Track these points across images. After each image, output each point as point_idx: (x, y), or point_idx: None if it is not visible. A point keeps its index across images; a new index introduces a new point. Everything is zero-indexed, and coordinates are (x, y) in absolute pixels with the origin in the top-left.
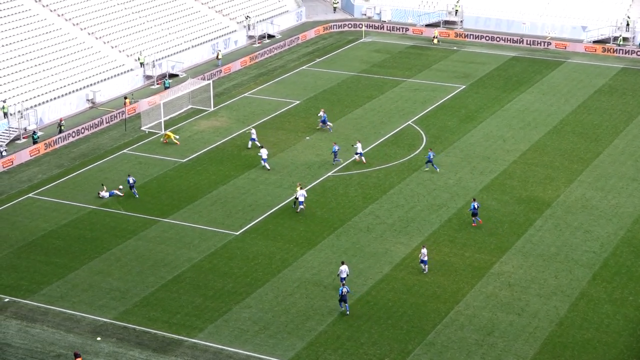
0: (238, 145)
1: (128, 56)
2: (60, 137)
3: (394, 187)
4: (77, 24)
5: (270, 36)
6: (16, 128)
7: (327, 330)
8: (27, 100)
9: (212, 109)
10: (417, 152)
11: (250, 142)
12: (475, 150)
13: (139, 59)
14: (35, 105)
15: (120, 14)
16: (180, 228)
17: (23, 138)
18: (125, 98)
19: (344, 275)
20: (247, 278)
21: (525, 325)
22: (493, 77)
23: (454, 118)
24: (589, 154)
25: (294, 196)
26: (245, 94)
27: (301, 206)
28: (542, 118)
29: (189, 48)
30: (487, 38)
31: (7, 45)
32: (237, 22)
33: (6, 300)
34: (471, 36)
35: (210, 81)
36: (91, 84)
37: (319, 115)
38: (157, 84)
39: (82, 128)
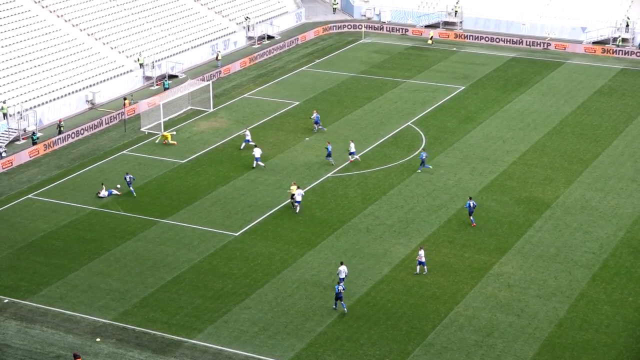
0: (237, 146)
1: (127, 57)
2: (59, 138)
3: (393, 188)
4: (77, 25)
5: (269, 37)
6: (16, 129)
7: (327, 331)
8: (26, 101)
9: (212, 110)
10: (416, 153)
11: (243, 144)
12: (475, 151)
13: (138, 59)
14: (35, 106)
15: (119, 14)
16: (180, 229)
17: (22, 139)
18: (125, 99)
19: (342, 275)
20: (247, 279)
21: (525, 326)
22: (492, 78)
23: (454, 119)
24: (589, 155)
25: (290, 195)
26: (245, 95)
27: (297, 205)
28: (541, 119)
29: (188, 49)
30: (487, 39)
31: (6, 46)
32: (237, 23)
33: (6, 301)
34: (471, 37)
35: (210, 82)
36: (91, 85)
37: (312, 117)
38: (157, 85)
39: (82, 129)
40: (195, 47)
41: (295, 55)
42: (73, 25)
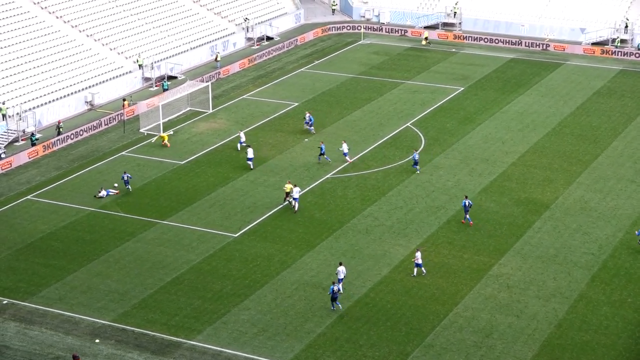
0: (236, 148)
1: (127, 58)
2: (58, 139)
3: (392, 189)
4: (76, 26)
5: (268, 38)
6: (15, 130)
7: (326, 332)
8: (25, 102)
9: (211, 111)
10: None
11: (239, 145)
12: (474, 152)
13: (137, 61)
14: (34, 107)
15: (118, 15)
16: (179, 230)
17: (21, 140)
18: (124, 100)
19: (341, 276)
20: (246, 280)
21: (524, 327)
22: (492, 79)
23: (453, 120)
24: (588, 156)
25: (286, 194)
26: (244, 96)
27: (295, 203)
28: (540, 120)
29: (187, 50)
30: (486, 40)
31: (5, 47)
32: (236, 24)
33: (5, 302)
34: (470, 38)
35: (209, 83)
36: (90, 86)
37: (304, 117)
38: (156, 86)
39: (81, 130)
40: (194, 48)
41: (295, 56)
42: (72, 27)
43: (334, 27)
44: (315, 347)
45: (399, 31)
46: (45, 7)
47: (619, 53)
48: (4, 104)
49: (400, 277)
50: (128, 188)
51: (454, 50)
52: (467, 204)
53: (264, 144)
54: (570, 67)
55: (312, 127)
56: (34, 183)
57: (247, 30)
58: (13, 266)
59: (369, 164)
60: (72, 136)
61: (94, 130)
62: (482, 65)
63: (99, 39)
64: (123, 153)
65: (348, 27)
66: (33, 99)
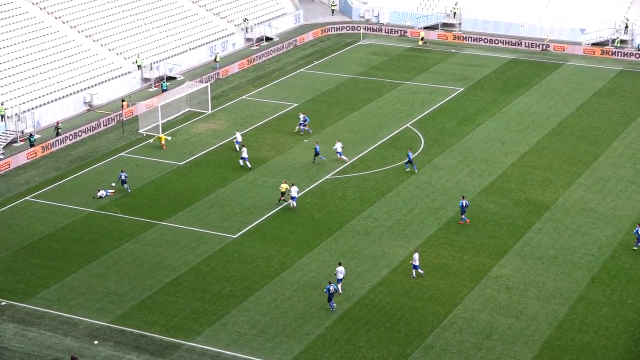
0: (235, 148)
1: (125, 59)
2: (57, 140)
3: (392, 189)
4: (75, 26)
5: (268, 39)
6: (13, 131)
7: (325, 333)
8: (24, 103)
9: (210, 111)
10: (415, 155)
11: (237, 146)
12: (474, 153)
13: (136, 61)
14: (33, 108)
15: (117, 16)
16: (178, 231)
17: (20, 141)
18: (123, 101)
19: (340, 276)
20: (245, 281)
21: (524, 328)
22: (491, 80)
23: (453, 121)
24: (588, 157)
25: (281, 194)
26: (243, 97)
27: (293, 202)
28: (540, 120)
29: (186, 51)
30: (486, 40)
31: (4, 47)
32: (235, 25)
33: (3, 303)
34: (469, 38)
35: (208, 84)
36: (88, 87)
37: (301, 117)
38: (155, 86)
39: (80, 131)
40: (193, 48)
41: (294, 56)
42: (71, 27)
43: (334, 27)
44: (314, 349)
45: (399, 32)
46: (44, 8)
47: (619, 53)
48: (2, 104)
49: (400, 278)
50: (126, 187)
51: (453, 50)
52: (464, 204)
53: (263, 145)
54: (570, 68)
55: (307, 127)
56: (33, 184)
57: (246, 31)
58: (11, 267)
59: (368, 164)
60: (70, 137)
61: (92, 131)
62: (481, 65)
63: (97, 40)
64: (122, 154)
65: (347, 28)
66: (32, 100)
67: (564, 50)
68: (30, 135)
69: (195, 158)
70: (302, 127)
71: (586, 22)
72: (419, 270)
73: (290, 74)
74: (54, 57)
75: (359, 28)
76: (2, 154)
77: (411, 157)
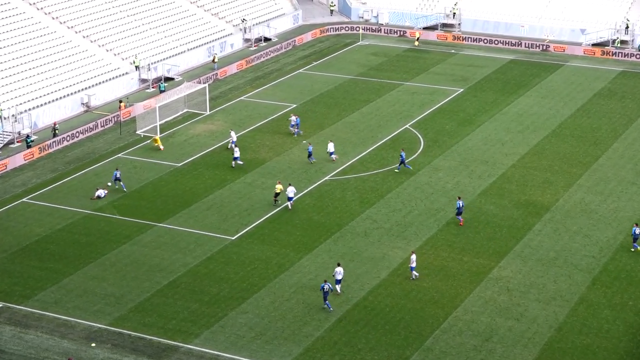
0: (232, 149)
1: (123, 59)
2: (54, 141)
3: (391, 191)
4: (72, 27)
5: (266, 39)
6: (10, 132)
7: (324, 336)
8: (21, 104)
9: (208, 112)
10: (415, 156)
11: (232, 145)
12: (474, 154)
13: (134, 62)
14: (30, 109)
15: (115, 16)
16: (176, 233)
17: (17, 142)
18: (120, 101)
19: (339, 277)
20: (244, 283)
21: (524, 330)
22: (491, 80)
23: (452, 121)
24: (588, 158)
25: (275, 194)
26: (242, 98)
27: (290, 202)
28: (540, 121)
29: (184, 51)
30: (485, 41)
31: (1, 48)
32: (233, 25)
33: (0, 306)
34: (469, 39)
35: (206, 84)
36: (86, 88)
37: (292, 119)
38: (153, 87)
39: (77, 132)
40: (191, 49)
41: (292, 57)
42: (68, 28)
43: (332, 28)
44: (313, 351)
45: (398, 32)
46: (42, 8)
47: (620, 54)
48: None
49: (399, 280)
50: (122, 185)
51: (453, 51)
52: (460, 205)
53: (261, 146)
54: (571, 68)
55: (297, 130)
56: (30, 185)
57: (245, 31)
58: (8, 269)
59: (367, 166)
60: (68, 138)
61: (90, 132)
62: (481, 66)
63: (95, 40)
64: (119, 155)
65: (346, 28)
66: (29, 101)
67: (564, 51)
68: (27, 136)
69: (193, 159)
70: (295, 130)
71: (586, 22)
72: (414, 272)
73: (289, 75)
74: (51, 57)
75: (357, 28)
76: None
77: (404, 158)
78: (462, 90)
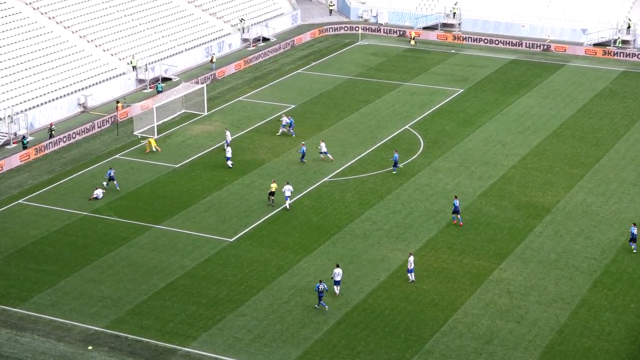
0: (232, 150)
1: (120, 59)
2: (50, 142)
3: (391, 192)
4: (68, 26)
5: (265, 39)
6: (6, 133)
7: (323, 338)
8: (17, 104)
9: (206, 113)
10: (414, 157)
11: (226, 145)
12: (474, 155)
13: (131, 62)
14: (26, 110)
15: (112, 16)
16: (174, 235)
17: (13, 143)
18: (118, 102)
19: (337, 278)
20: (242, 285)
21: (525, 333)
22: (492, 81)
23: (452, 122)
24: (590, 159)
25: (270, 193)
26: (240, 98)
27: (288, 201)
28: (541, 122)
29: (182, 51)
30: (486, 41)
31: None
32: (232, 25)
33: None
34: (469, 39)
35: (204, 85)
36: (82, 88)
37: (282, 120)
38: (150, 87)
39: (73, 133)
40: (189, 49)
41: (291, 57)
42: (65, 27)
43: (331, 27)
44: (312, 354)
45: (397, 32)
46: (38, 8)
47: (621, 54)
48: None
49: (399, 282)
50: (115, 185)
51: (453, 51)
52: (457, 204)
53: (260, 147)
54: (572, 69)
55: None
56: (26, 187)
57: (243, 31)
58: (4, 272)
59: (366, 167)
60: (64, 139)
61: (86, 132)
62: (482, 66)
63: (91, 40)
64: (117, 156)
65: (345, 28)
66: (25, 101)
67: (565, 51)
68: (23, 137)
69: (191, 160)
70: (289, 130)
71: (588, 22)
72: (411, 275)
73: (288, 75)
74: (48, 57)
75: (357, 28)
76: None
77: (396, 159)
78: (462, 90)
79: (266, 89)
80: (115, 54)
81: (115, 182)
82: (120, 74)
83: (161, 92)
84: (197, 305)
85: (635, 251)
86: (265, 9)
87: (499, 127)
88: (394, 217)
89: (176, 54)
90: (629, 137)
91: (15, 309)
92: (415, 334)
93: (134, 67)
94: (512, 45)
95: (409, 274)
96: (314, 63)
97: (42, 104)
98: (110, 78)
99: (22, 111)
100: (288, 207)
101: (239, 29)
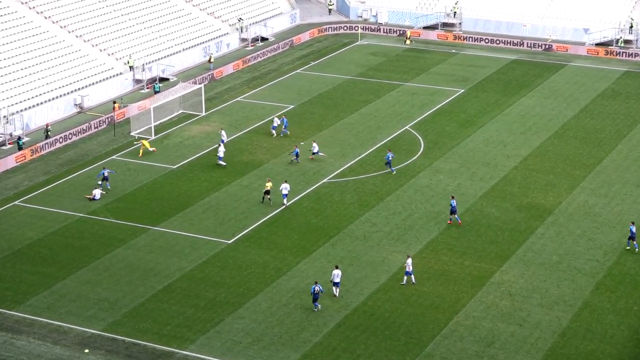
0: (230, 151)
1: (117, 59)
2: (47, 143)
3: (391, 193)
4: (65, 26)
5: (263, 39)
6: (1, 133)
7: (323, 341)
8: (12, 105)
9: (204, 113)
10: (415, 157)
11: (221, 144)
12: (475, 156)
13: (128, 62)
14: (22, 110)
15: (109, 16)
16: (171, 236)
17: (8, 144)
18: (114, 102)
19: (336, 279)
20: (240, 288)
21: (527, 336)
22: (493, 81)
23: (453, 123)
24: (592, 160)
25: (265, 192)
26: (238, 99)
27: (285, 200)
28: (543, 122)
29: (179, 51)
30: (487, 41)
31: None
32: (230, 25)
33: None
34: (470, 39)
35: (202, 85)
36: (79, 88)
37: (275, 121)
38: (147, 88)
39: (70, 133)
40: (186, 49)
41: (290, 57)
42: (61, 27)
43: (331, 27)
44: (311, 357)
45: (397, 32)
46: (34, 7)
47: (624, 54)
48: None
49: (399, 284)
50: (106, 185)
51: (454, 51)
52: (454, 204)
53: (258, 148)
54: (574, 69)
55: (277, 130)
56: (22, 188)
57: (241, 31)
58: (0, 274)
59: (366, 168)
60: (60, 140)
61: (83, 133)
62: (483, 66)
63: (88, 40)
64: (113, 157)
65: (345, 28)
66: (21, 102)
67: (567, 51)
68: (19, 138)
69: (188, 161)
70: (284, 130)
71: (590, 21)
72: (411, 276)
73: (287, 75)
74: (44, 57)
75: (356, 28)
76: None
77: (390, 159)
78: (463, 90)
79: (265, 89)
80: (112, 53)
81: (107, 182)
82: (117, 74)
83: (158, 92)
84: (195, 308)
85: (637, 250)
86: (264, 8)
87: (500, 128)
88: (394, 218)
89: (174, 53)
90: (631, 138)
91: (10, 312)
92: (415, 337)
93: (131, 67)
94: (513, 45)
95: (405, 276)
96: (313, 63)
97: (38, 104)
98: (107, 78)
99: (17, 112)
100: (285, 203)
101: (237, 29)
